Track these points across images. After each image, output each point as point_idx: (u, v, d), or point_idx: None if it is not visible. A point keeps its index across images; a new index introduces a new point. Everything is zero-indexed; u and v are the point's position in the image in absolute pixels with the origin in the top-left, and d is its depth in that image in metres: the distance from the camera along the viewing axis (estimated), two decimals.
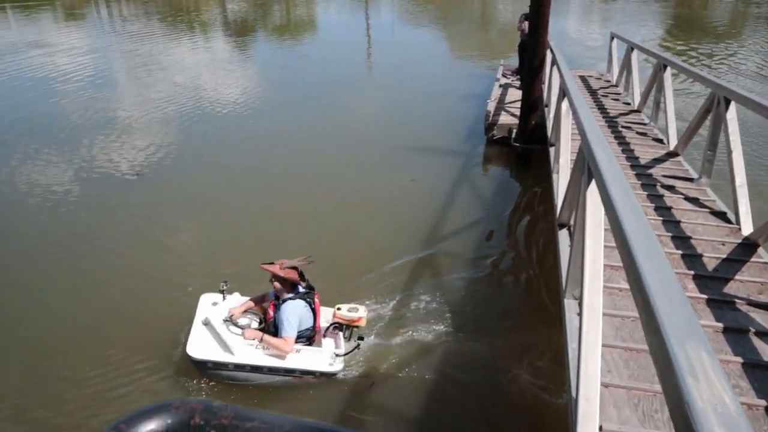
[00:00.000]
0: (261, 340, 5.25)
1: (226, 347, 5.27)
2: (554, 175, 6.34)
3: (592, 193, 3.06)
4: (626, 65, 10.89)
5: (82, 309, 6.33)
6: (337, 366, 5.30)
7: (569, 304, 3.74)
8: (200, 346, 5.31)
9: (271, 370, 5.25)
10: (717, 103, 5.92)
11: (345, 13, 32.29)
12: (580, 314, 2.96)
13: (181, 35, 25.14)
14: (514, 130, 10.74)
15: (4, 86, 16.29)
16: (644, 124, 8.76)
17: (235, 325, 5.48)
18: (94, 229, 8.26)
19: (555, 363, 5.35)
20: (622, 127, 8.62)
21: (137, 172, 10.12)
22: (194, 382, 5.30)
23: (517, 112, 10.94)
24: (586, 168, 3.22)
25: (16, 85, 16.49)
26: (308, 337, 5.41)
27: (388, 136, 11.84)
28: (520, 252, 7.66)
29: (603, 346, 3.05)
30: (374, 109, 14.24)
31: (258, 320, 5.56)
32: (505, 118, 11.36)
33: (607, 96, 10.85)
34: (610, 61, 12.79)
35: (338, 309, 5.66)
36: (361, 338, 5.55)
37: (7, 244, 7.89)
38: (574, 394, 2.84)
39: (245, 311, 5.63)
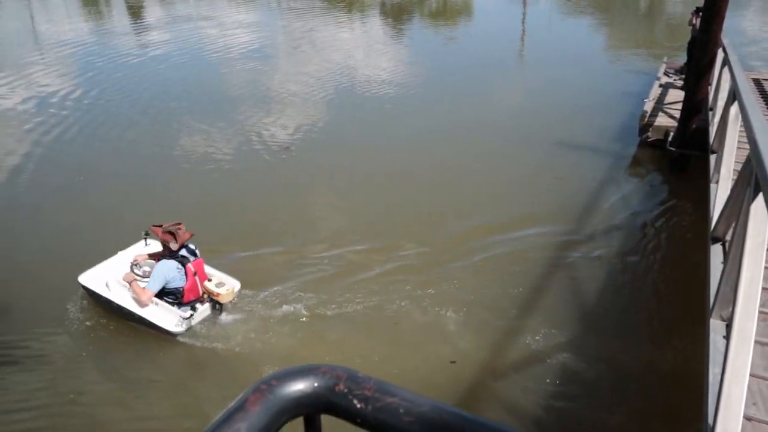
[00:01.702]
0: (130, 285, 5.75)
1: (106, 283, 5.91)
2: (712, 185, 5.87)
3: (758, 208, 2.81)
4: None
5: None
6: (179, 328, 5.63)
7: (715, 325, 3.47)
8: (92, 275, 6.07)
9: (129, 315, 5.76)
10: None
11: (502, 0, 31.72)
12: (727, 337, 2.74)
13: (339, 15, 25.98)
14: (672, 134, 10.03)
15: (173, 55, 17.78)
16: None
17: (133, 268, 6.07)
18: (235, 195, 8.86)
19: (685, 386, 5.00)
20: None
21: (286, 146, 10.67)
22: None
23: (677, 114, 10.20)
24: (753, 180, 2.95)
25: (184, 54, 17.94)
26: (177, 295, 5.80)
27: (535, 129, 11.52)
28: (661, 263, 7.20)
29: (750, 375, 2.81)
30: (522, 99, 13.92)
31: None
32: (662, 120, 10.64)
33: None
34: None
35: (209, 280, 5.97)
36: (194, 309, 5.79)
37: (161, 200, 8.67)
38: (710, 422, 2.64)
39: (150, 259, 6.17)
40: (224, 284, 5.96)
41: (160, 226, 5.78)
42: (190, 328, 5.75)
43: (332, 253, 7.11)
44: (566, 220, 8.04)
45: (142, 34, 21.90)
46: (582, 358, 5.47)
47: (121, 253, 6.46)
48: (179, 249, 5.78)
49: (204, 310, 5.91)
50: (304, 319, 5.99)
